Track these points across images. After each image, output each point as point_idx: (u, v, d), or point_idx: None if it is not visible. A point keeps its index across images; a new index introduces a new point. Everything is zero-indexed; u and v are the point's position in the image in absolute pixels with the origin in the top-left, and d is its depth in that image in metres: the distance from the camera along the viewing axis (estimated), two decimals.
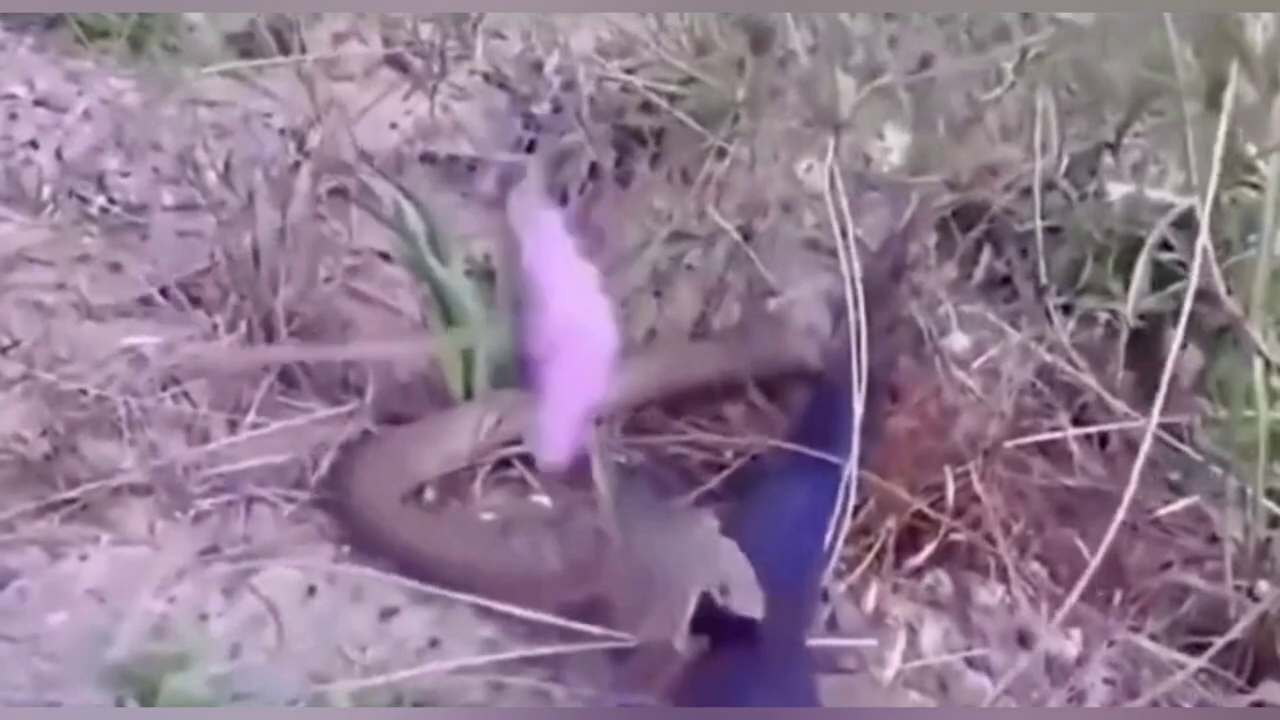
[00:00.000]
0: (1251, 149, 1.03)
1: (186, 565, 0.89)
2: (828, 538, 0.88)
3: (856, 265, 0.89)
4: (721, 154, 1.16)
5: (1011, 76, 1.04)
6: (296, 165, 1.17)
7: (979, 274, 1.03)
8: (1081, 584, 0.86)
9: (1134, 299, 1.00)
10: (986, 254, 1.06)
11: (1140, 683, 0.91)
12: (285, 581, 0.89)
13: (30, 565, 0.89)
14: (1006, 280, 1.17)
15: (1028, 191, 1.15)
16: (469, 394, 1.04)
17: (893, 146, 1.04)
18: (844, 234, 0.88)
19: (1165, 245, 1.14)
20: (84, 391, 1.03)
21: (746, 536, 0.91)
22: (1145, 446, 0.86)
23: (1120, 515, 0.84)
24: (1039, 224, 1.14)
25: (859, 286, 0.89)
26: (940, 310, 1.03)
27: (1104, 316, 1.14)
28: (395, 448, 1.01)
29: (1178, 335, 0.91)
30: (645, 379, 1.07)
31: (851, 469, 0.88)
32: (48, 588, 0.87)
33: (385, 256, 1.30)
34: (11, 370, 1.05)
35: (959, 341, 0.98)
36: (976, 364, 1.01)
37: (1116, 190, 1.01)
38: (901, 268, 1.02)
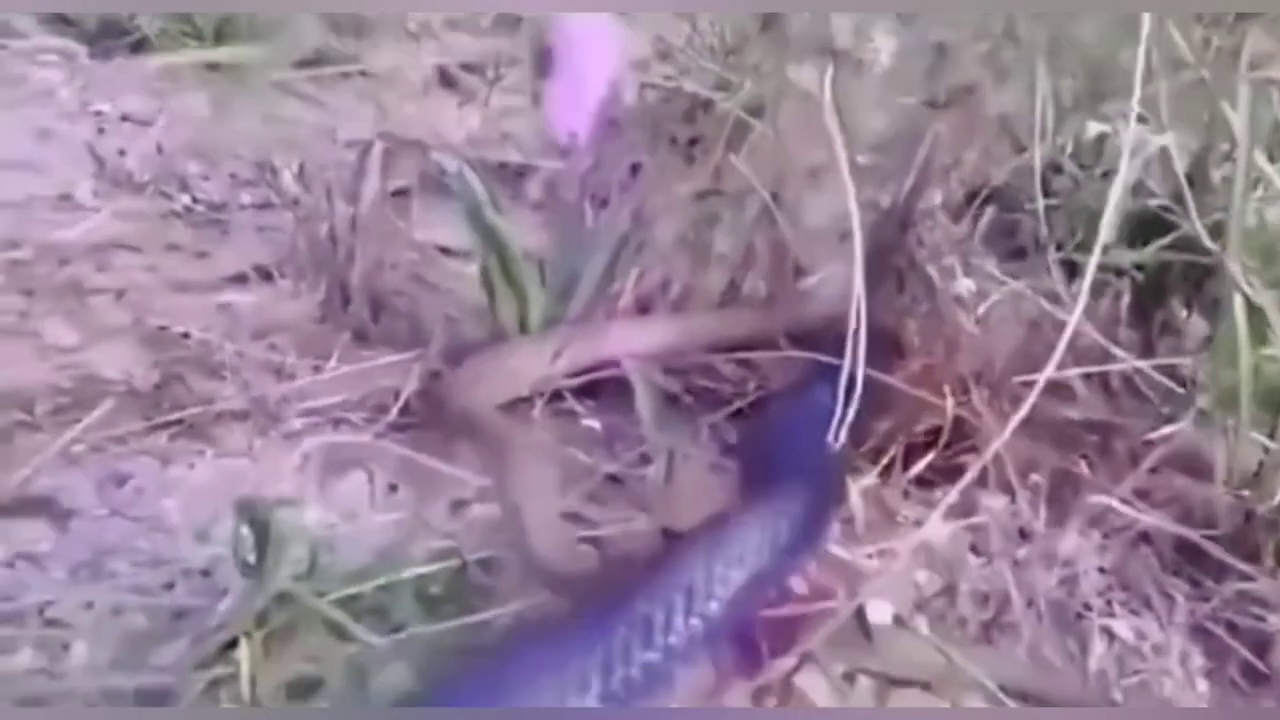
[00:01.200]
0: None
1: (283, 471, 1.01)
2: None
3: (851, 182, 0.98)
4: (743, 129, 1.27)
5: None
6: (369, 148, 1.29)
7: (982, 229, 1.13)
8: None
9: (1101, 251, 1.09)
10: (990, 212, 1.16)
11: (1136, 573, 1.01)
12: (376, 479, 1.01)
13: (143, 470, 1.01)
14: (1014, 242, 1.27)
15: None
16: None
17: (881, 48, 1.14)
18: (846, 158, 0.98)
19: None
20: (186, 335, 1.16)
21: (772, 431, 1.03)
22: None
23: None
24: (1040, 203, 1.24)
25: (855, 203, 0.99)
26: (946, 261, 1.13)
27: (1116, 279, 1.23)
28: (486, 366, 1.13)
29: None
30: (682, 340, 1.19)
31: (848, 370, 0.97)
32: (160, 486, 0.99)
33: (444, 251, 1.43)
34: (121, 319, 1.19)
35: (964, 285, 1.08)
36: (981, 309, 1.10)
37: (1094, 128, 1.11)
38: (909, 220, 1.13)
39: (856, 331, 0.99)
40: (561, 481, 1.01)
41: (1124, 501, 1.06)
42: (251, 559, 0.81)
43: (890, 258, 1.13)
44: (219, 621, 0.81)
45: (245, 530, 0.80)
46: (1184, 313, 1.26)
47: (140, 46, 1.84)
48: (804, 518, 0.92)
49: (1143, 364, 1.15)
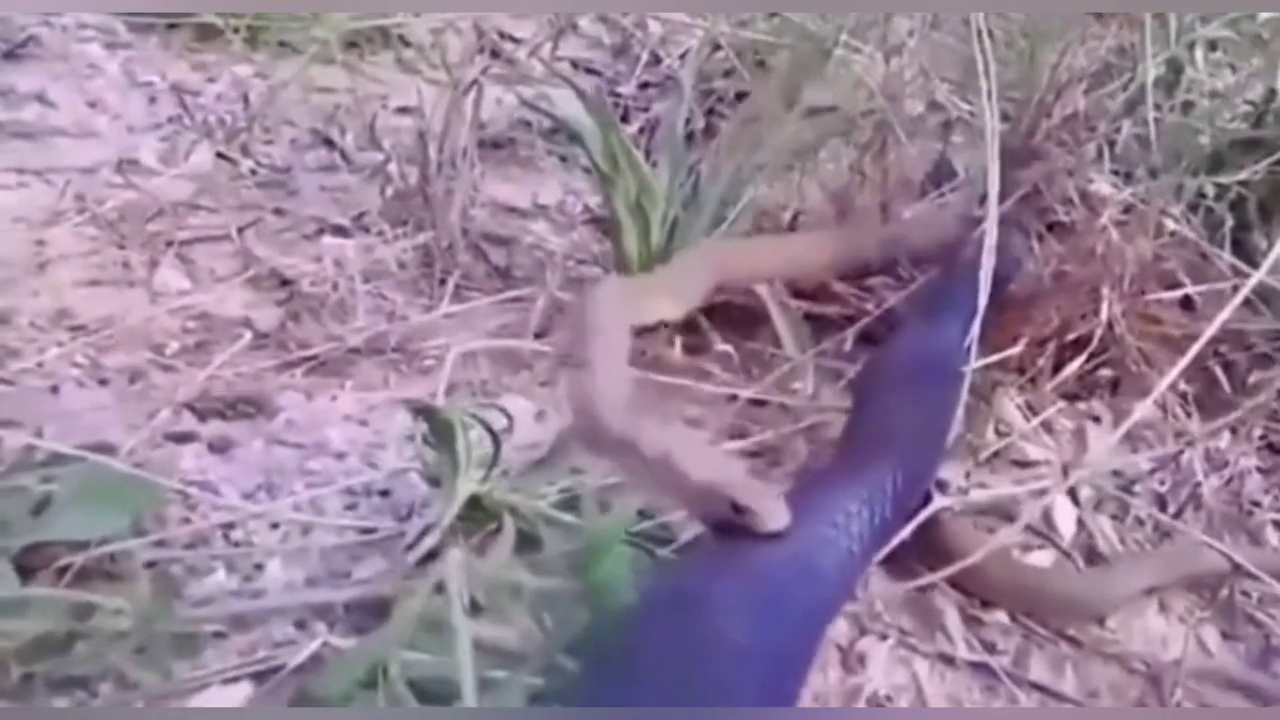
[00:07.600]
0: None
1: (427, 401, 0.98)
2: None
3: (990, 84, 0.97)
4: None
5: None
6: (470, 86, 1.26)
7: (1123, 136, 1.12)
8: None
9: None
10: (1126, 125, 1.15)
11: None
12: (518, 408, 0.98)
13: (291, 403, 0.98)
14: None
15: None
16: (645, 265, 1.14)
17: None
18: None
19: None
20: (291, 281, 1.13)
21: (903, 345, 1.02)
22: None
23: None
24: (1152, 122, 1.22)
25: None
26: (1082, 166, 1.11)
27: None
28: None
29: None
30: (813, 258, 1.18)
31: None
32: (310, 417, 0.96)
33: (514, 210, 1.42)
34: (231, 266, 1.16)
35: (1103, 187, 1.07)
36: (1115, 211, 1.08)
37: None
38: (1034, 129, 1.12)
39: (989, 243, 0.98)
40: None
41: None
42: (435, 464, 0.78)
43: (1017, 168, 1.11)
44: (418, 531, 0.78)
45: (425, 437, 0.78)
46: None
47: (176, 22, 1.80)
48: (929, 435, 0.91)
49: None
